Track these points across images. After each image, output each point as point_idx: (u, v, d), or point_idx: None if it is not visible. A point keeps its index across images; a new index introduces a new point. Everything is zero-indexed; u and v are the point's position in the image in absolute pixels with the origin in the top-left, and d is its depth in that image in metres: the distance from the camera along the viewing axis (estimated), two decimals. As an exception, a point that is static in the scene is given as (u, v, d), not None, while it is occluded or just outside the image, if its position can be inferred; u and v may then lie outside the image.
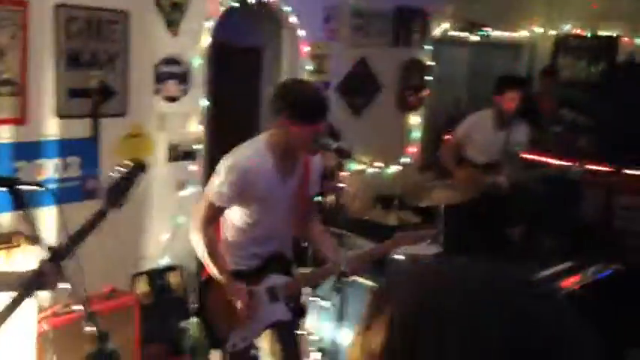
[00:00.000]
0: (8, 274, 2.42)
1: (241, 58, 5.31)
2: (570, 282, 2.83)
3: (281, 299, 2.78)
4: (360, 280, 3.35)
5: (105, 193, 1.95)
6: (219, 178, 2.61)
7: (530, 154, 4.94)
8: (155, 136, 4.24)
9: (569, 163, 4.89)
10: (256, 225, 2.72)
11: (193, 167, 4.45)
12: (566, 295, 2.62)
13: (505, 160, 4.63)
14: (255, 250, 2.77)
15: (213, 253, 2.67)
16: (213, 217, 2.68)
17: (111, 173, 1.94)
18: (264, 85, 5.36)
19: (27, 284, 2.02)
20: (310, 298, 3.17)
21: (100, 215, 1.98)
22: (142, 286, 4.09)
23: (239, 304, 2.65)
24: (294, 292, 2.89)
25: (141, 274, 4.13)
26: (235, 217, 2.72)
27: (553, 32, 7.37)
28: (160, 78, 4.21)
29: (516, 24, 7.14)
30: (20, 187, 2.52)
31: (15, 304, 2.01)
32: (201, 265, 2.89)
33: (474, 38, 6.71)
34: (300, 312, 3.06)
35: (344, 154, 2.66)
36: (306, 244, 3.30)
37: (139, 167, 1.97)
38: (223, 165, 2.63)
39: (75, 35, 3.72)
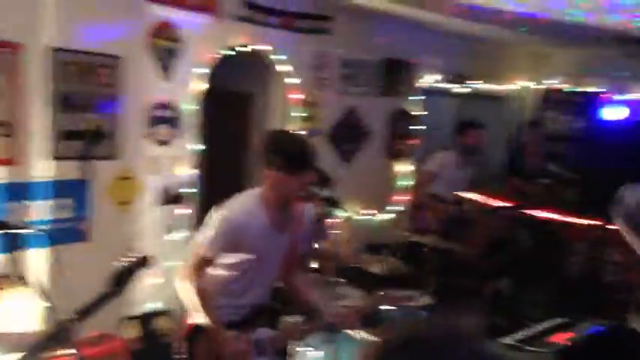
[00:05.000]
0: (7, 335, 2.37)
1: (233, 103, 5.36)
2: (561, 338, 2.82)
3: (268, 353, 2.74)
4: (352, 332, 3.31)
5: (109, 279, 2.03)
6: (210, 230, 2.61)
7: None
8: (145, 179, 4.23)
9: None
10: (243, 276, 2.70)
11: (183, 211, 4.43)
12: (558, 351, 2.62)
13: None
14: (239, 302, 2.75)
15: (205, 302, 2.64)
16: (201, 266, 2.68)
17: (115, 263, 2.05)
18: (254, 130, 5.41)
19: (38, 347, 1.99)
20: (301, 349, 3.12)
21: (103, 298, 2.04)
22: (132, 331, 4.01)
23: (233, 352, 2.61)
24: (281, 345, 2.85)
25: (130, 318, 4.05)
26: (222, 266, 2.69)
27: (538, 86, 7.56)
28: (152, 122, 4.23)
29: (503, 77, 7.32)
30: (10, 229, 2.49)
31: None
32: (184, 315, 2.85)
33: (462, 90, 6.85)
34: None
35: (332, 203, 2.67)
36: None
37: (142, 262, 2.08)
38: (215, 217, 2.63)
39: (69, 79, 3.74)
